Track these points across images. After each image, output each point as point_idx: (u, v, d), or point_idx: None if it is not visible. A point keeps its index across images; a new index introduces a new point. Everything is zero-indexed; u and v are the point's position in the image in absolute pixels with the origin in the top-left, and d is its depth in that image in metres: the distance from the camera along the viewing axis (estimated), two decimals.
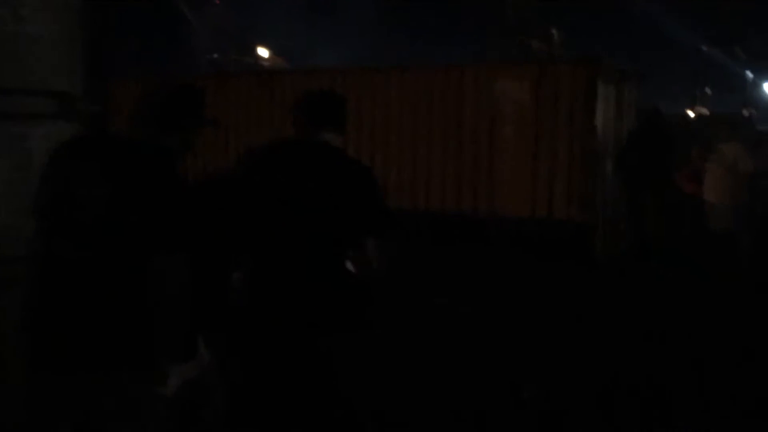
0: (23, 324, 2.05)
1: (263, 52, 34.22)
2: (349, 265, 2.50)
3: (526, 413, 3.89)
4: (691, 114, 18.26)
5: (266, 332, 2.47)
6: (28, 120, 2.96)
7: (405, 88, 8.55)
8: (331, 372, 2.50)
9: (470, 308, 5.95)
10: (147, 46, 24.25)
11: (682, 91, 25.07)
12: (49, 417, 2.08)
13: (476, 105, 8.20)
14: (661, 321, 5.58)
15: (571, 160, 7.82)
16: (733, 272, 6.71)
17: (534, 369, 4.51)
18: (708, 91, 26.26)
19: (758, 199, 7.59)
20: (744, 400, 3.99)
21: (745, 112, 18.41)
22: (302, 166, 2.47)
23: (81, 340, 1.96)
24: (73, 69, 3.12)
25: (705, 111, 19.12)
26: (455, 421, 3.74)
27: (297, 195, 2.42)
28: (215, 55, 32.58)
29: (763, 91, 28.98)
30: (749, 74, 28.32)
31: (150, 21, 24.95)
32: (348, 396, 2.59)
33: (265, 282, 2.45)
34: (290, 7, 29.19)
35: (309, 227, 2.41)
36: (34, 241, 2.03)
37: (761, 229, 7.55)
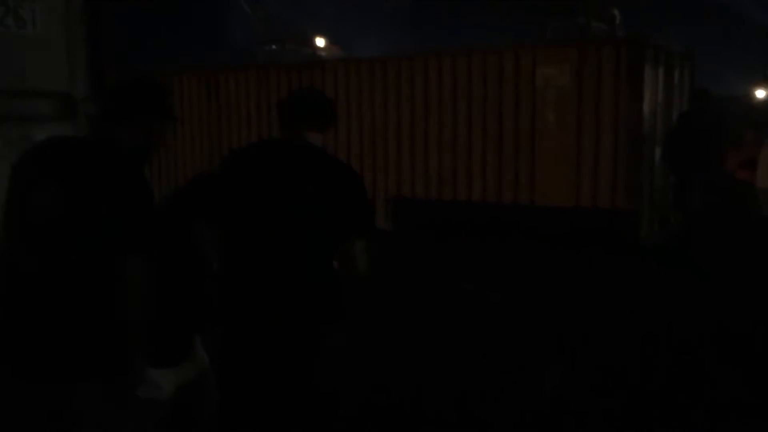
0: None
1: (320, 41, 34.35)
2: (334, 265, 2.46)
3: (542, 405, 3.79)
4: (761, 94, 17.36)
5: (247, 333, 2.46)
6: (31, 122, 3.04)
7: (443, 74, 8.41)
8: (314, 368, 2.48)
9: (500, 295, 5.84)
10: (201, 38, 24.67)
11: (753, 71, 23.90)
12: (23, 425, 2.10)
13: (516, 91, 8.00)
14: (704, 312, 5.34)
15: (616, 147, 7.54)
16: None
17: (556, 359, 4.40)
18: None
19: None
20: None
21: None
22: (281, 167, 2.44)
23: (44, 350, 1.98)
24: (75, 71, 3.18)
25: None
26: (464, 408, 3.68)
27: (274, 196, 2.39)
28: (273, 46, 32.93)
29: None
30: None
31: (206, 12, 25.32)
32: (331, 390, 2.56)
33: (244, 283, 2.44)
34: None
35: (287, 230, 2.38)
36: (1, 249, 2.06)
37: None
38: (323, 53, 34.75)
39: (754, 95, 16.81)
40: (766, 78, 21.44)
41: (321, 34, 34.46)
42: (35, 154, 2.07)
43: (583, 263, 6.90)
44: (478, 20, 24.32)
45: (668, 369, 4.27)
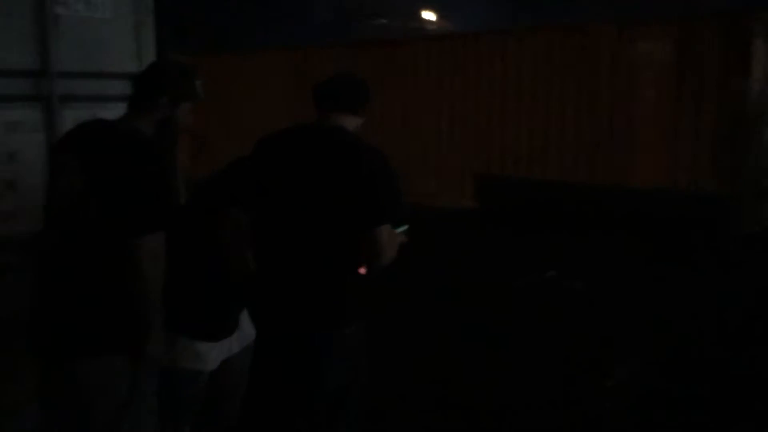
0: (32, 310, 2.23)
1: (429, 15, 34.06)
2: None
3: (606, 400, 3.67)
4: None
5: (270, 319, 2.51)
6: (101, 102, 3.22)
7: (537, 50, 8.17)
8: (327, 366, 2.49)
9: (583, 284, 5.67)
10: (304, 11, 24.85)
11: None
12: (51, 402, 2.25)
13: (612, 67, 7.65)
14: None
15: (719, 126, 7.07)
16: None
17: (629, 350, 4.24)
18: None
19: None
20: None
21: None
22: (303, 153, 2.44)
23: (68, 328, 2.11)
24: (142, 52, 3.34)
25: None
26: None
27: (295, 183, 2.41)
28: (383, 20, 32.91)
29: None
30: None
31: None
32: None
33: (268, 271, 2.47)
34: None
35: (306, 216, 2.39)
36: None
37: None
38: (431, 27, 34.46)
39: None
40: None
41: (429, 8, 34.13)
42: (65, 140, 2.19)
43: (676, 251, 6.56)
44: None
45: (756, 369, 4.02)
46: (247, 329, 2.71)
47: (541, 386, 3.79)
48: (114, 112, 3.17)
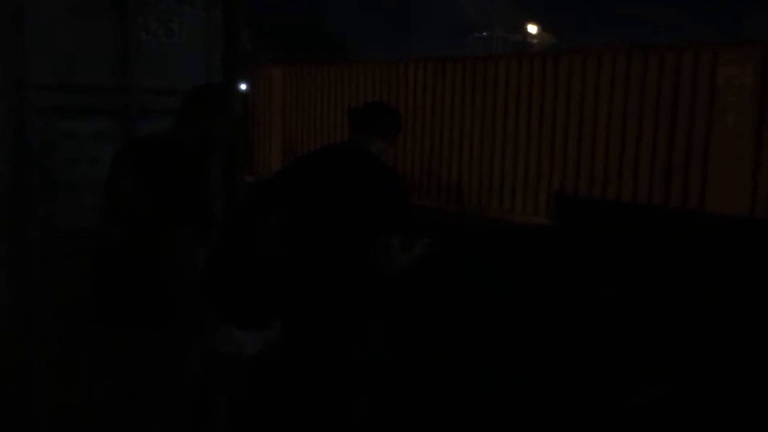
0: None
1: (532, 28, 33.69)
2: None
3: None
4: None
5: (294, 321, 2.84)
6: (172, 116, 3.67)
7: (616, 70, 8.16)
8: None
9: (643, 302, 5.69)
10: (409, 26, 25.30)
11: None
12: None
13: (692, 90, 7.55)
14: None
15: None
16: None
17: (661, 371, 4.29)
18: None
19: None
20: None
21: None
22: (333, 170, 2.78)
23: (120, 303, 2.54)
24: (211, 73, 3.77)
25: None
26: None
27: (319, 197, 2.74)
28: (484, 33, 32.91)
29: None
30: None
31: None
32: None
33: (295, 276, 2.80)
34: None
35: (328, 225, 2.72)
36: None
37: None
38: (534, 41, 34.06)
39: None
40: None
41: (534, 21, 33.74)
42: (122, 150, 2.63)
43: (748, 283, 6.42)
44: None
45: None
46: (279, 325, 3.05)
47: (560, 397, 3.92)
48: None
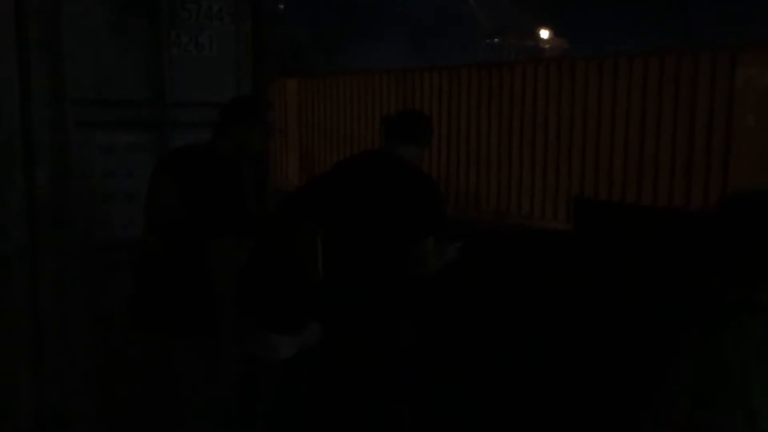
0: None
1: (544, 33, 33.65)
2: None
3: None
4: None
5: (334, 323, 2.92)
6: (205, 128, 3.76)
7: (633, 75, 8.20)
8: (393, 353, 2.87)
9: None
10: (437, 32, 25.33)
11: None
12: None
13: (711, 93, 7.57)
14: None
15: None
16: None
17: None
18: None
19: None
20: None
21: None
22: (369, 177, 2.87)
23: (161, 308, 2.62)
24: (240, 85, 3.86)
25: None
26: None
27: (357, 201, 2.83)
28: (495, 40, 32.93)
29: None
30: None
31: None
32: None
33: (334, 279, 2.88)
34: None
35: (365, 230, 2.80)
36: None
37: None
38: (546, 46, 34.04)
39: None
40: None
41: (545, 26, 33.72)
42: (162, 162, 2.72)
43: None
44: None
45: None
46: (316, 328, 3.13)
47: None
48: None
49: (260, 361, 3.04)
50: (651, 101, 8.07)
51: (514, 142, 9.39)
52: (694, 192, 7.81)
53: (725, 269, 1.49)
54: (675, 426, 1.37)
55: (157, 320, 2.66)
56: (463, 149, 9.99)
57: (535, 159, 9.23)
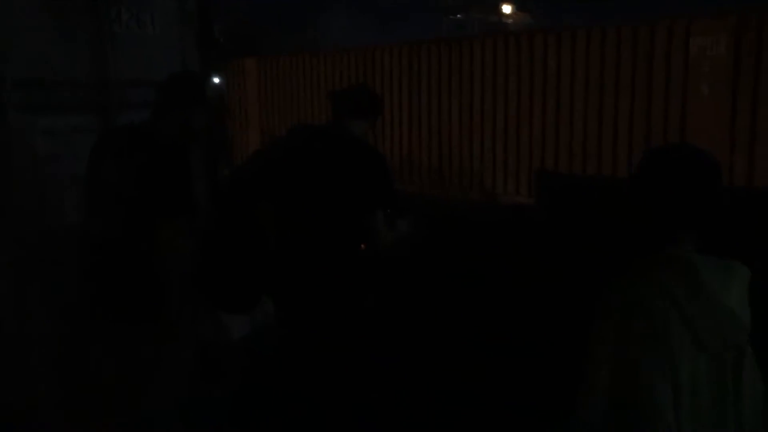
0: None
1: (506, 8, 33.66)
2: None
3: None
4: None
5: (290, 299, 2.89)
6: (147, 107, 3.68)
7: (590, 48, 8.23)
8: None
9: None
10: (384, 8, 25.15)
11: None
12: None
13: (667, 63, 7.63)
14: None
15: None
16: None
17: None
18: None
19: None
20: None
21: None
22: (317, 152, 2.82)
23: (117, 297, 2.56)
24: (187, 63, 3.78)
25: None
26: None
27: (305, 177, 2.78)
28: (459, 15, 32.85)
29: None
30: None
31: None
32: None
33: (287, 256, 2.85)
34: None
35: (315, 206, 2.77)
36: None
37: None
38: (509, 21, 34.01)
39: None
40: None
41: (508, 1, 33.72)
42: (99, 143, 2.64)
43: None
44: None
45: None
46: (268, 306, 3.10)
47: None
48: None
49: (217, 344, 3.00)
50: (609, 73, 8.12)
51: (476, 117, 9.40)
52: None
53: (644, 224, 1.54)
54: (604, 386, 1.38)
55: (106, 307, 2.60)
56: (425, 126, 9.97)
57: (496, 134, 9.26)
